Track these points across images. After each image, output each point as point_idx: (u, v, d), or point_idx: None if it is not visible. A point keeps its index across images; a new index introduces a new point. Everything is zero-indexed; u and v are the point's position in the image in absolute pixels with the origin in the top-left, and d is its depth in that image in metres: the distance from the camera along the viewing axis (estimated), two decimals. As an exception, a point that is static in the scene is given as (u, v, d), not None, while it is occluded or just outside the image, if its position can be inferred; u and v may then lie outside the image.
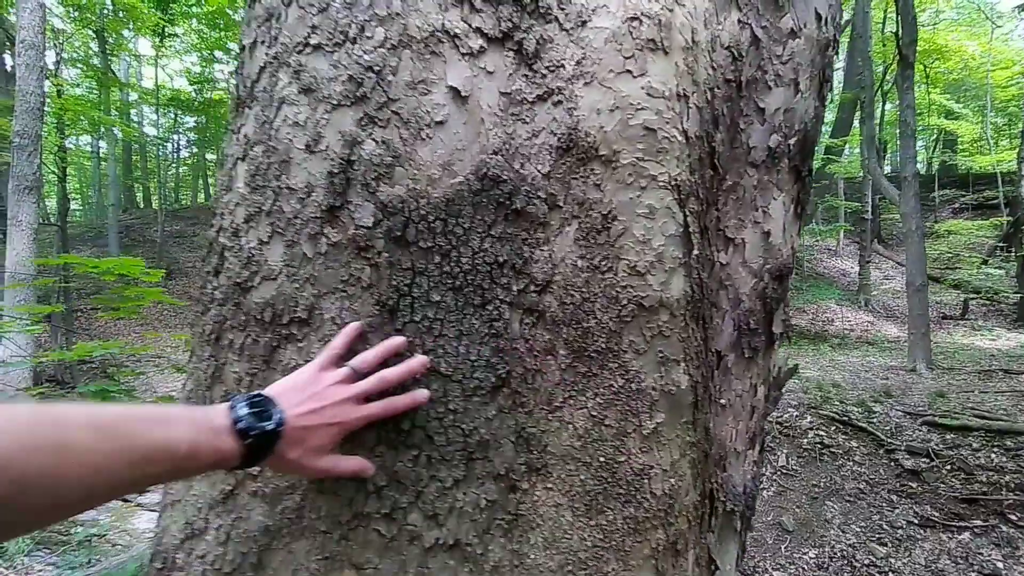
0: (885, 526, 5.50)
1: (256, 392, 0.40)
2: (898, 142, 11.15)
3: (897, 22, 9.79)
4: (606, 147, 0.50)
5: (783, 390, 0.74)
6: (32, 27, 4.46)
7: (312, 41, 0.47)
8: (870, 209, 16.01)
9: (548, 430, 0.47)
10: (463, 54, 0.49)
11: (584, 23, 0.52)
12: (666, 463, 0.48)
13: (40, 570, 4.89)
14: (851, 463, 6.35)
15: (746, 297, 0.64)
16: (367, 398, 0.42)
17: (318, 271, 0.45)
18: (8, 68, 13.79)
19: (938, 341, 10.75)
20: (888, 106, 19.68)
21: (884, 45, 15.41)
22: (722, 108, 0.60)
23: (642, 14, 0.52)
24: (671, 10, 0.54)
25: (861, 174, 15.90)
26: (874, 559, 5.12)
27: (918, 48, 10.76)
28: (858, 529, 5.56)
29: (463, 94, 0.48)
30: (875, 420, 6.72)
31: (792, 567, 5.48)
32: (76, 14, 15.59)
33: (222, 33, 20.81)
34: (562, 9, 0.52)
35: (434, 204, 0.46)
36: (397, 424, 0.44)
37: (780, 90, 0.65)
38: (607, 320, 0.48)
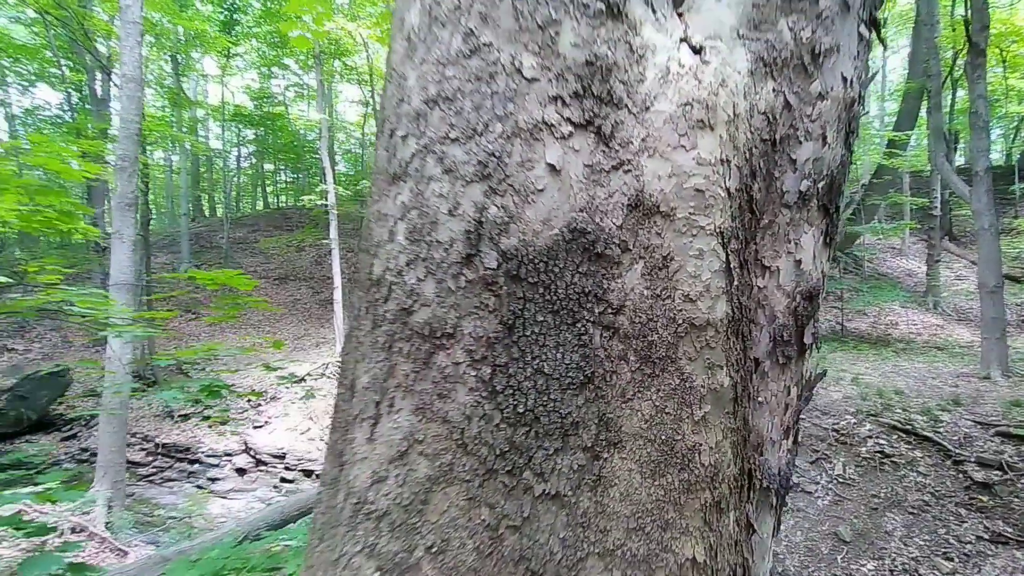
0: (952, 540, 5.25)
1: None
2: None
3: (967, 6, 9.22)
4: (665, 205, 0.66)
5: (814, 391, 0.87)
6: (132, 62, 5.04)
7: (451, 136, 0.66)
8: (939, 205, 14.99)
9: (622, 415, 0.64)
10: (557, 138, 0.67)
11: (647, 108, 0.69)
12: (712, 442, 0.63)
13: (137, 544, 5.47)
14: (914, 474, 6.08)
15: (780, 314, 0.78)
16: None
17: (459, 300, 0.64)
18: (98, 93, 15.19)
19: (1017, 346, 9.98)
20: (960, 93, 18.32)
21: (954, 30, 14.42)
22: (759, 162, 0.75)
23: (693, 100, 0.69)
24: (716, 94, 0.70)
25: (929, 168, 14.93)
26: (939, 574, 4.91)
27: (992, 31, 10.06)
28: (921, 543, 5.34)
29: (557, 168, 0.66)
30: (942, 429, 6.39)
31: (849, 579, 5.33)
32: (153, 40, 16.95)
33: (279, 51, 22.01)
34: (631, 98, 0.69)
35: (539, 250, 0.64)
36: (515, 408, 0.62)
37: (810, 144, 0.79)
38: (666, 335, 0.64)
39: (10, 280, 2.20)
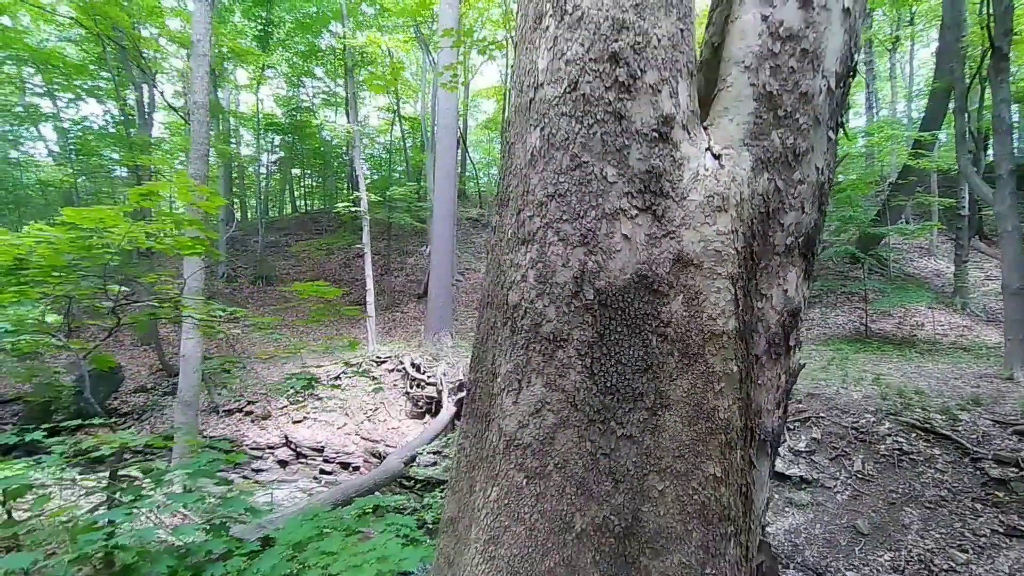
0: (967, 533, 5.48)
1: None
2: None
3: (988, 11, 9.28)
4: (697, 260, 1.07)
5: (798, 377, 1.26)
6: (201, 91, 5.62)
7: (564, 218, 1.08)
8: (967, 205, 14.85)
9: (670, 388, 1.05)
10: (628, 218, 1.08)
11: (685, 198, 1.10)
12: (725, 405, 1.04)
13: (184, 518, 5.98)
14: (932, 470, 6.29)
15: (773, 325, 1.18)
16: None
17: (571, 318, 1.06)
18: (146, 109, 16.07)
19: (1043, 348, 9.93)
20: (990, 91, 17.99)
21: (982, 28, 14.27)
22: (758, 227, 1.15)
23: (714, 193, 1.09)
24: (728, 188, 1.11)
25: (957, 168, 14.78)
26: (954, 564, 5.16)
27: (1017, 34, 10.04)
28: (938, 535, 5.58)
29: (628, 237, 1.08)
30: (960, 428, 6.56)
31: (866, 568, 5.62)
32: (188, 53, 17.80)
33: (306, 62, 22.77)
34: (674, 192, 1.10)
35: (618, 288, 1.06)
36: (605, 383, 1.04)
37: (793, 212, 1.18)
38: (698, 339, 1.05)
39: (127, 289, 2.68)
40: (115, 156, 20.59)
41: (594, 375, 1.04)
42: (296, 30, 20.40)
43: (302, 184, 33.18)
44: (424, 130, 21.37)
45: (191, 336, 5.08)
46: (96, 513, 1.69)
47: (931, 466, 6.31)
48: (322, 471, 10.83)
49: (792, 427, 7.53)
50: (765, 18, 1.18)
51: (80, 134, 20.60)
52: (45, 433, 1.85)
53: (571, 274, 1.06)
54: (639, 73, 1.08)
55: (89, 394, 2.46)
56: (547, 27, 1.15)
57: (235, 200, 30.18)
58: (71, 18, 13.09)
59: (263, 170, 27.43)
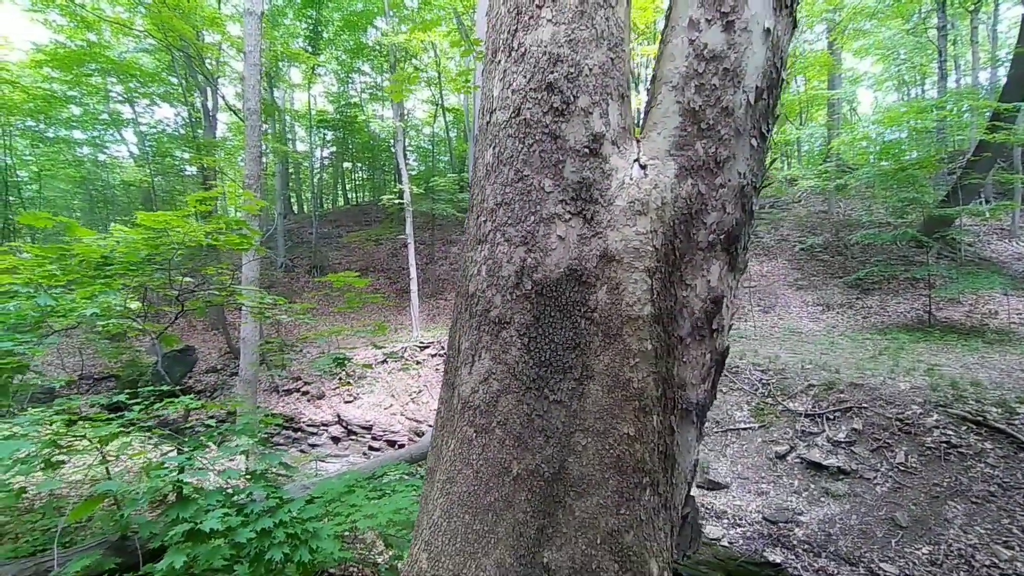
0: (1015, 530, 5.26)
1: None
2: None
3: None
4: (618, 255, 1.27)
5: (726, 357, 1.43)
6: (254, 98, 6.16)
7: (509, 222, 1.32)
8: (1053, 181, 13.49)
9: (594, 363, 1.26)
10: (563, 221, 1.30)
11: (611, 203, 1.30)
12: (639, 377, 1.25)
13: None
14: (982, 464, 6.02)
15: (697, 311, 1.37)
16: None
17: (513, 305, 1.30)
18: (210, 111, 17.34)
19: None
20: (1089, 52, 16.08)
21: (1077, -18, 12.73)
22: (681, 227, 1.33)
23: (636, 199, 1.29)
24: (649, 193, 1.29)
25: (1043, 141, 13.44)
26: (997, 561, 4.99)
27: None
28: (982, 531, 5.39)
29: (562, 237, 1.29)
30: (1018, 422, 6.19)
31: (902, 560, 5.53)
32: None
33: (354, 59, 23.58)
34: (602, 198, 1.30)
35: (553, 280, 1.28)
36: (540, 358, 1.27)
37: (715, 213, 1.35)
38: (617, 322, 1.26)
39: (192, 279, 3.16)
40: (185, 156, 22.38)
41: (531, 351, 1.27)
42: (343, 28, 21.20)
43: (352, 177, 34.50)
44: (466, 120, 21.75)
45: (248, 321, 5.67)
46: (164, 456, 2.12)
47: (981, 460, 6.02)
48: (371, 447, 11.59)
49: (832, 417, 7.37)
50: (692, 41, 1.34)
51: (156, 137, 22.44)
52: (127, 397, 2.31)
53: (514, 269, 1.30)
54: (572, 99, 1.29)
55: (163, 371, 2.95)
56: (499, 61, 1.37)
57: (291, 194, 31.90)
58: (144, 31, 14.33)
59: (316, 165, 28.80)
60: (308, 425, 12.51)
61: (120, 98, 21.64)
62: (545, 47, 1.29)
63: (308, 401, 13.25)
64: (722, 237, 1.36)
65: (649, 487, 1.26)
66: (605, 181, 1.30)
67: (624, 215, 1.28)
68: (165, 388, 2.64)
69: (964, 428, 6.43)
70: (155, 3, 11.36)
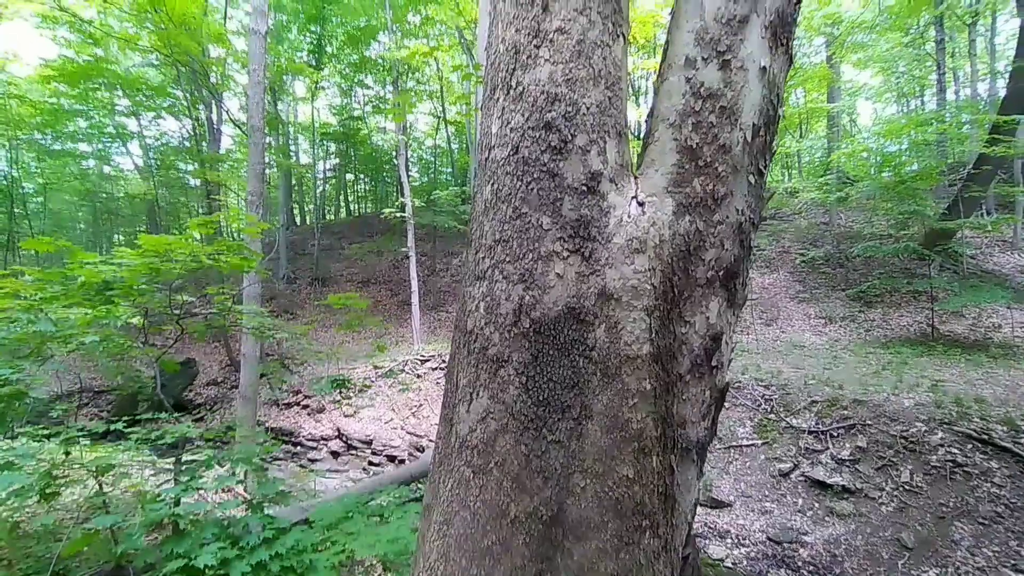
0: (1024, 552, 5.15)
1: None
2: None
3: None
4: (616, 294, 1.27)
5: (726, 394, 1.42)
6: (257, 116, 6.21)
7: (507, 259, 1.31)
8: (1057, 194, 13.48)
9: (592, 402, 1.25)
10: (561, 259, 1.30)
11: (609, 241, 1.30)
12: (638, 417, 1.24)
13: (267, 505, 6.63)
14: (988, 484, 5.94)
15: (696, 348, 1.36)
16: None
17: (511, 343, 1.29)
18: (215, 124, 17.51)
19: None
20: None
21: (1071, -1, 12.86)
22: (679, 263, 1.33)
23: (633, 236, 1.29)
24: (647, 231, 1.29)
25: (1044, 153, 13.45)
26: (1005, 584, 4.88)
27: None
28: (990, 553, 5.30)
29: (561, 275, 1.29)
30: (1023, 440, 6.12)
31: (908, 583, 5.40)
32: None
33: (357, 72, 23.83)
34: (601, 236, 1.30)
35: (552, 318, 1.28)
36: (538, 397, 1.26)
37: (713, 249, 1.35)
38: (616, 361, 1.25)
39: (192, 299, 3.17)
40: (189, 168, 22.52)
41: (529, 390, 1.26)
42: (347, 43, 21.46)
43: (355, 188, 34.69)
44: (468, 133, 21.90)
45: (249, 339, 5.67)
46: (160, 488, 2.11)
47: (987, 480, 5.94)
48: (370, 463, 11.50)
49: (836, 434, 7.30)
50: (688, 79, 1.35)
51: (160, 150, 22.61)
52: (126, 424, 2.30)
53: (512, 306, 1.29)
54: (570, 137, 1.30)
55: (160, 391, 2.94)
56: (498, 99, 1.38)
57: (294, 205, 32.05)
58: (151, 47, 14.54)
59: (320, 177, 28.98)
60: (308, 439, 12.43)
61: (126, 111, 21.86)
62: (543, 86, 1.30)
63: (308, 415, 13.17)
64: (720, 273, 1.36)
65: (649, 530, 1.24)
66: (603, 218, 1.30)
67: (622, 253, 1.28)
68: (164, 416, 2.63)
69: (969, 447, 6.36)
70: (161, 19, 11.54)
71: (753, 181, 1.37)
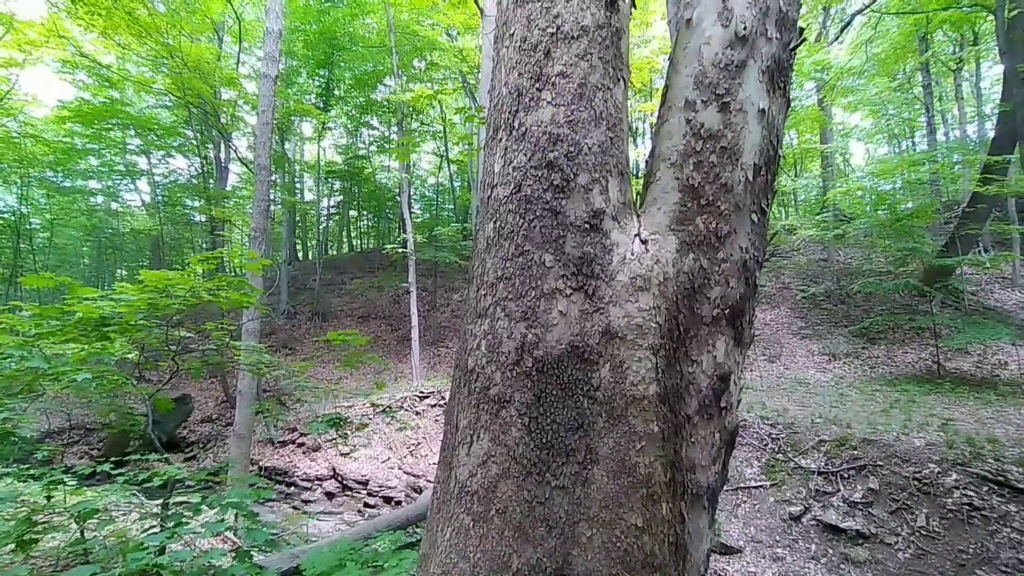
0: (1051, 605, 4.88)
1: None
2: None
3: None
4: (621, 332, 1.24)
5: (736, 437, 1.37)
6: (264, 154, 6.36)
7: (509, 297, 1.30)
8: (1050, 231, 13.62)
9: (598, 445, 1.21)
10: (564, 296, 1.28)
11: (613, 279, 1.28)
12: (646, 461, 1.19)
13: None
14: (1008, 529, 5.71)
15: (704, 388, 1.32)
16: None
17: (513, 383, 1.26)
18: (223, 162, 17.91)
19: None
20: (1071, 108, 16.64)
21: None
22: (684, 301, 1.31)
23: (637, 274, 1.27)
24: (651, 269, 1.28)
25: (1036, 192, 13.68)
26: (1035, 640, 4.60)
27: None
28: (1016, 604, 5.00)
29: (564, 313, 1.27)
30: (1041, 483, 5.91)
31: (932, 638, 5.11)
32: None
33: (363, 114, 24.57)
34: (604, 273, 1.29)
35: (554, 357, 1.25)
36: (542, 440, 1.21)
37: (719, 287, 1.34)
38: (622, 402, 1.21)
39: (191, 335, 3.14)
40: (196, 204, 22.87)
41: (532, 432, 1.22)
42: (354, 87, 22.22)
43: (358, 224, 35.14)
44: (470, 171, 22.37)
45: (245, 376, 5.59)
46: (144, 535, 2.01)
47: (1006, 524, 5.71)
48: (366, 504, 11.11)
49: (847, 476, 7.08)
50: (688, 121, 1.37)
51: (168, 187, 23.05)
52: (113, 464, 2.22)
53: (514, 345, 1.26)
54: (572, 176, 1.30)
55: (152, 429, 2.87)
56: (500, 139, 1.40)
57: (297, 241, 32.39)
58: (164, 90, 15.06)
59: (324, 213, 29.43)
60: (302, 479, 12.07)
61: (137, 150, 22.41)
62: (545, 127, 1.32)
63: (304, 453, 12.85)
64: (726, 311, 1.33)
65: (659, 583, 1.17)
66: (606, 256, 1.29)
67: (626, 290, 1.26)
68: (153, 456, 2.55)
69: (985, 489, 6.15)
70: (176, 65, 12.01)
71: (756, 219, 1.37)
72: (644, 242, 1.32)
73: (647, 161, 1.49)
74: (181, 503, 2.66)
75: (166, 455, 2.64)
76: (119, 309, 2.46)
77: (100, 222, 23.47)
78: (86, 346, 2.49)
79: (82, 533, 1.95)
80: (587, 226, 1.30)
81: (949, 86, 21.49)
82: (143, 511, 2.65)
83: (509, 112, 1.38)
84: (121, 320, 2.53)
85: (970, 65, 20.17)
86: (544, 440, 1.21)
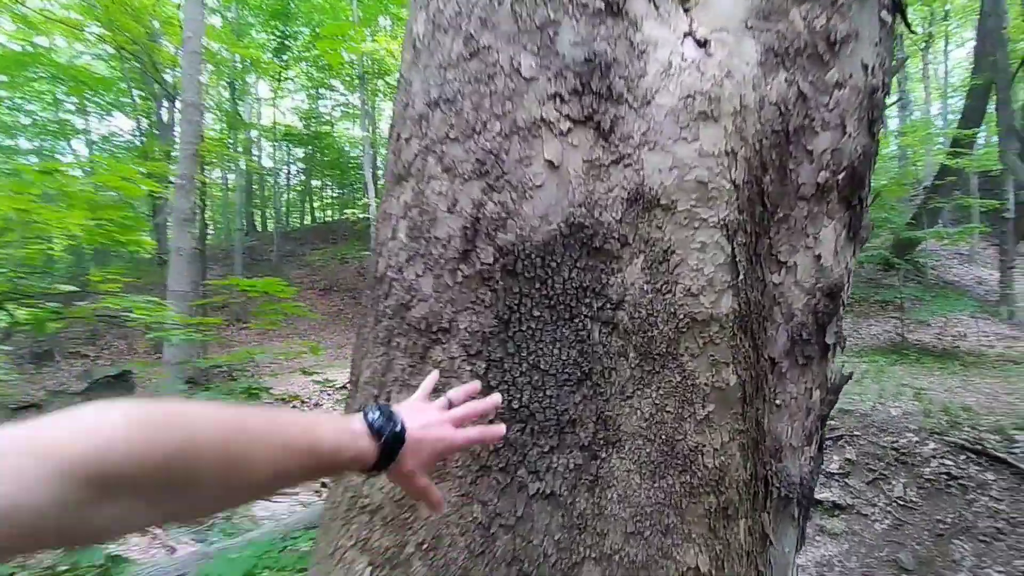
0: (1032, 573, 4.76)
1: (382, 404, 0.49)
2: (1045, 130, 9.66)
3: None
4: (666, 198, 0.65)
5: (840, 394, 0.81)
6: (192, 89, 5.42)
7: (451, 135, 0.67)
8: (1012, 207, 13.89)
9: (621, 413, 0.62)
10: (555, 134, 0.67)
11: (648, 102, 0.67)
12: (716, 443, 0.61)
13: (185, 541, 5.73)
14: (986, 498, 5.56)
15: (799, 312, 0.74)
16: (462, 423, 0.50)
17: (455, 295, 0.65)
18: (164, 119, 16.39)
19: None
20: (1034, 86, 17.00)
21: (1024, 20, 13.40)
22: (771, 154, 0.72)
23: (695, 92, 0.67)
24: (720, 85, 0.68)
25: (1000, 167, 13.91)
26: (1017, 610, 4.45)
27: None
28: (994, 573, 4.85)
29: (555, 164, 0.66)
30: (1017, 451, 5.82)
31: (912, 609, 4.92)
32: (213, 68, 18.17)
33: (325, 73, 23.05)
34: (631, 93, 0.68)
35: (536, 245, 0.64)
36: (511, 404, 0.62)
37: (827, 133, 0.75)
38: (667, 330, 0.62)
39: (75, 288, 2.42)
40: (141, 171, 20.99)
41: (491, 390, 0.61)
42: (312, 41, 20.60)
43: (321, 195, 33.50)
44: (439, 139, 21.28)
45: (169, 347, 4.82)
46: None
47: (984, 493, 5.58)
48: (323, 484, 10.44)
49: (823, 447, 6.90)
50: None
51: (107, 148, 21.16)
52: None
53: (459, 224, 0.65)
54: (573, -94, 0.67)
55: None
56: None
57: (255, 211, 30.66)
58: (98, 37, 13.37)
59: (283, 181, 27.79)
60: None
61: (73, 108, 20.33)
62: None
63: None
64: (840, 177, 0.75)
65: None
66: (636, 63, 0.68)
67: (675, 121, 0.66)
68: None
69: (963, 458, 6.02)
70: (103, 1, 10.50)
71: (887, 20, 0.79)
72: (702, 45, 0.71)
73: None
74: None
75: None
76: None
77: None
78: None
79: None
80: (601, 4, 0.68)
81: (915, 66, 21.75)
82: None
83: None
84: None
85: (936, 45, 20.55)
86: (514, 403, 0.61)
